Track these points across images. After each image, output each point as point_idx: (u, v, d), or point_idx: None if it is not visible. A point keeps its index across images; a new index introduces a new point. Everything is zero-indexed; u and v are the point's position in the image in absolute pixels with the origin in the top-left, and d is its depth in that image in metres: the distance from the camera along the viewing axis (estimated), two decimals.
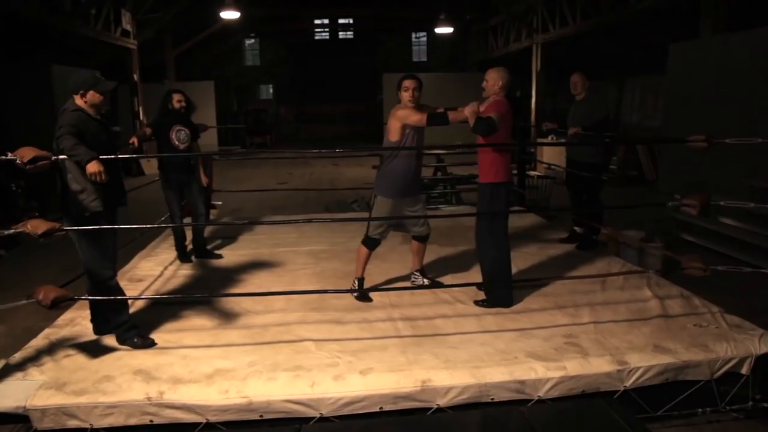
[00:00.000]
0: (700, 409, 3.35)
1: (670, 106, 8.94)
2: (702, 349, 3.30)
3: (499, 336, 3.55)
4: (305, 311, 3.98)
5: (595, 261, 5.03)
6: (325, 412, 2.94)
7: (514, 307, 3.99)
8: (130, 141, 5.19)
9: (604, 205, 5.83)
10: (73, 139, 3.10)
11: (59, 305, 3.14)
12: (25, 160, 2.95)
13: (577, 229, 5.77)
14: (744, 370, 3.31)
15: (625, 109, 14.53)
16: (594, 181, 5.50)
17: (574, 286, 4.36)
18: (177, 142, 5.03)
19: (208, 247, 5.48)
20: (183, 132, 5.08)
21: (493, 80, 3.92)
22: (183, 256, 5.25)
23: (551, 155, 11.23)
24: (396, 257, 5.11)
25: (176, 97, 5.13)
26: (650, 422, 3.09)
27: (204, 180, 5.48)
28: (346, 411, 2.95)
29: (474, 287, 4.18)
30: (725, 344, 3.33)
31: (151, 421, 2.89)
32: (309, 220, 5.93)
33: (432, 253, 4.89)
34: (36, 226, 2.98)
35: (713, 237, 6.38)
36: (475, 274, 4.32)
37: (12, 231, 3.02)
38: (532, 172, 7.96)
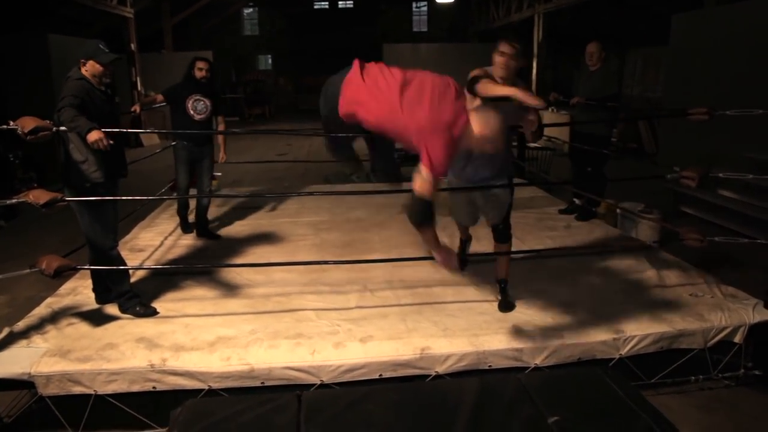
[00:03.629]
0: (693, 377, 3.41)
1: (672, 78, 8.85)
2: (697, 318, 3.35)
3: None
4: (306, 281, 4.01)
5: (593, 232, 5.05)
6: (326, 379, 3.00)
7: (513, 277, 4.02)
8: (132, 108, 5.13)
9: (608, 178, 5.82)
10: (73, 110, 3.08)
11: (62, 274, 3.17)
12: (26, 130, 2.93)
13: (576, 200, 5.78)
14: (737, 339, 3.36)
15: (627, 81, 14.40)
16: (599, 154, 5.48)
17: (573, 257, 4.39)
18: (193, 112, 4.80)
19: (210, 223, 5.37)
20: (202, 103, 4.82)
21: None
22: (185, 226, 5.22)
23: (552, 127, 11.17)
24: (396, 225, 5.14)
25: (199, 64, 4.82)
26: (644, 389, 3.14)
27: (223, 157, 5.27)
28: (346, 378, 3.01)
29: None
30: (720, 313, 3.38)
31: (154, 387, 2.95)
32: (310, 193, 5.92)
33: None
34: (38, 197, 2.99)
35: (712, 210, 6.40)
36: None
37: (14, 201, 3.02)
38: (532, 144, 7.91)
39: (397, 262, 4.25)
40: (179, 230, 5.25)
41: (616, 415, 2.54)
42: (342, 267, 4.18)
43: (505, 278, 3.67)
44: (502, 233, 3.62)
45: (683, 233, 3.69)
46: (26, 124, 2.95)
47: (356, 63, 2.71)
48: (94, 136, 3.02)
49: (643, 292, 3.75)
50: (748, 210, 5.94)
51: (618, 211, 5.74)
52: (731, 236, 4.06)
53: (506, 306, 3.54)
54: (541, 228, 5.18)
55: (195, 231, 5.19)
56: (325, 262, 4.17)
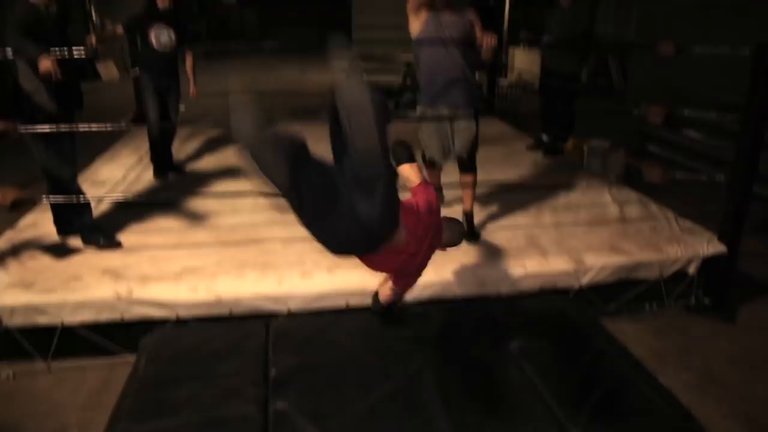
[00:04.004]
0: (647, 305, 3.57)
1: (644, 17, 8.81)
2: (654, 251, 3.47)
3: None
4: (272, 213, 3.97)
5: (560, 168, 5.12)
6: (293, 307, 3.03)
7: (479, 209, 4.08)
8: (89, 41, 4.87)
9: (575, 115, 5.86)
10: (19, 36, 2.91)
11: (19, 207, 3.09)
12: None
13: (544, 136, 5.82)
14: (691, 270, 3.51)
15: (599, 20, 14.24)
16: (569, 91, 5.48)
17: (538, 191, 4.45)
18: (156, 43, 4.52)
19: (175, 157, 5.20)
20: (165, 33, 4.54)
21: None
22: (159, 169, 4.92)
23: (522, 64, 11.09)
24: None
25: None
26: (602, 317, 3.28)
27: (194, 91, 5.04)
28: (314, 306, 3.05)
29: None
30: (676, 246, 3.50)
31: (122, 317, 2.95)
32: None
33: None
34: None
35: (676, 148, 6.52)
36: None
37: None
38: (502, 81, 7.87)
39: None
40: (142, 163, 5.12)
41: (576, 342, 2.66)
42: None
43: (470, 210, 3.71)
44: (467, 165, 3.64)
45: (646, 169, 3.76)
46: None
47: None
48: (45, 64, 2.87)
49: (605, 225, 3.85)
50: (709, 149, 6.07)
51: (585, 148, 5.80)
52: (692, 173, 4.17)
53: (472, 237, 3.60)
54: (508, 163, 5.21)
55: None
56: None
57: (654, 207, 4.16)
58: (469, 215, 3.71)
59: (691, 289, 3.61)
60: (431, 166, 3.76)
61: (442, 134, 3.62)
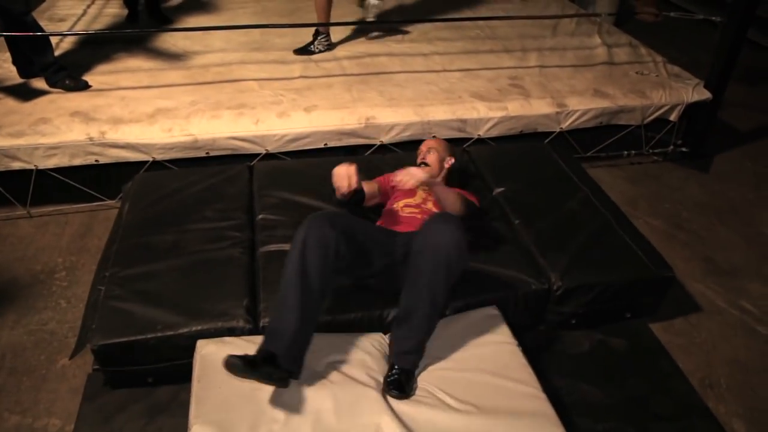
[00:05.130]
0: (626, 152, 3.61)
1: None
2: (638, 96, 3.41)
3: (445, 76, 3.55)
4: (246, 51, 3.79)
5: (549, 6, 4.85)
6: (271, 148, 3.00)
7: (462, 48, 3.93)
8: None
9: None
10: None
11: None
12: None
13: None
14: (672, 117, 3.50)
15: None
16: None
17: (525, 30, 4.26)
18: None
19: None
20: None
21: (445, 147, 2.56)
22: (133, 16, 4.35)
23: None
24: None
25: None
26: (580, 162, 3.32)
27: None
28: (292, 147, 3.01)
29: None
30: (661, 92, 3.45)
31: (96, 161, 2.89)
32: None
33: None
34: None
35: None
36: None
37: None
38: None
39: (343, 31, 4.04)
40: None
41: (558, 187, 2.69)
42: (285, 36, 3.94)
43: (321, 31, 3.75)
44: None
45: (639, 7, 3.59)
46: None
47: None
48: None
49: (591, 68, 3.74)
50: None
51: None
52: (687, 13, 3.99)
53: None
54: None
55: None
56: (265, 26, 3.90)
57: (643, 50, 4.02)
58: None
59: (671, 137, 3.63)
60: None
61: None
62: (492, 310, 2.06)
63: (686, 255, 2.92)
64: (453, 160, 2.49)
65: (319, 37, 3.77)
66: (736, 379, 2.27)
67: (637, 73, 3.69)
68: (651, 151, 3.65)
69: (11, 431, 2.00)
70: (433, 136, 2.99)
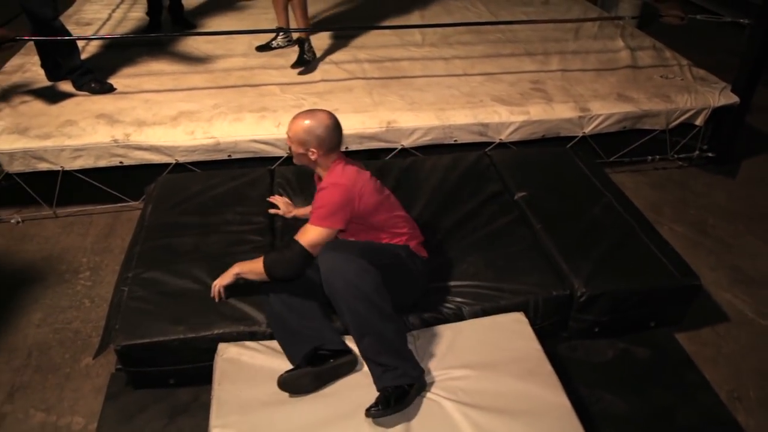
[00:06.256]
0: (649, 157, 3.55)
1: None
2: (663, 100, 3.36)
3: (466, 80, 3.54)
4: (269, 56, 3.83)
5: (571, 9, 4.81)
6: None
7: (483, 52, 3.90)
8: None
9: None
10: None
11: (1, 45, 2.93)
12: None
13: None
14: (698, 122, 3.43)
15: None
16: None
17: (546, 34, 4.23)
18: None
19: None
20: None
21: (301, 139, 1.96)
22: (155, 25, 4.31)
23: None
24: None
25: None
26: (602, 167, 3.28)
27: None
28: None
29: None
30: (686, 96, 3.39)
31: (121, 162, 2.93)
32: None
33: None
34: None
35: None
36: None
37: None
38: None
39: (365, 35, 4.05)
40: (127, 2, 4.78)
41: (581, 192, 2.65)
42: None
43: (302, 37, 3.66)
44: None
45: (664, 10, 3.54)
46: None
47: None
48: None
49: (614, 71, 3.70)
50: None
51: None
52: (714, 16, 3.92)
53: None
54: (516, 2, 4.88)
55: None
56: (286, 30, 3.91)
57: (668, 53, 3.96)
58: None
59: (696, 142, 3.57)
60: None
61: None
62: (519, 316, 2.04)
63: (713, 263, 2.86)
64: (318, 152, 1.92)
65: (305, 45, 3.67)
66: (765, 392, 2.21)
67: (661, 76, 3.64)
68: (676, 156, 3.59)
69: (36, 428, 2.03)
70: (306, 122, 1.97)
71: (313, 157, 1.94)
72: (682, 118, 3.40)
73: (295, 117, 1.97)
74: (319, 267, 1.76)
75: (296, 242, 1.84)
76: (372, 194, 1.93)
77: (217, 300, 1.99)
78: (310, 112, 1.97)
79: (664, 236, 2.43)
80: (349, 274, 1.70)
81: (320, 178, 2.02)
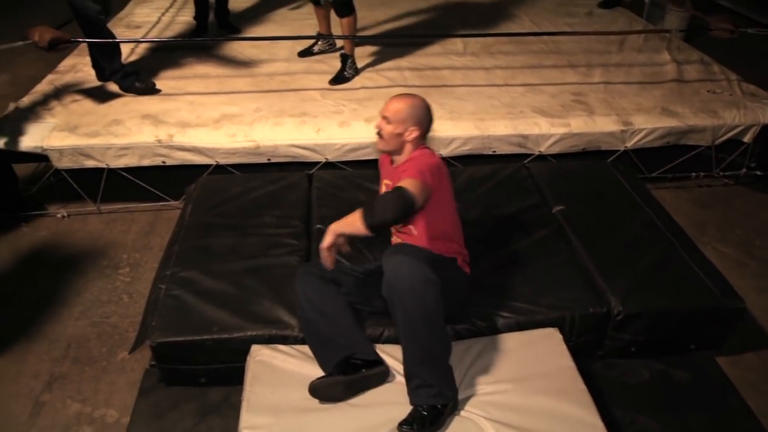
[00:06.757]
0: (693, 173, 3.46)
1: None
2: (710, 115, 3.27)
3: (507, 90, 3.52)
4: (310, 62, 3.88)
5: (616, 21, 4.74)
6: (330, 157, 3.04)
7: (525, 63, 3.87)
8: None
9: None
10: None
11: (57, 47, 3.03)
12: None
13: None
14: (747, 138, 3.33)
15: None
16: None
17: (590, 45, 4.17)
18: None
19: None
20: None
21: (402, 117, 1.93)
22: (202, 29, 4.36)
23: None
24: (402, 4, 4.83)
25: None
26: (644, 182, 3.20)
27: None
28: (351, 157, 3.04)
29: None
30: (735, 111, 3.29)
31: (163, 162, 3.01)
32: None
33: None
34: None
35: (750, 3, 5.91)
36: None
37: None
38: None
39: (406, 44, 4.06)
40: (176, 5, 4.91)
41: (620, 207, 2.59)
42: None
43: (347, 53, 3.66)
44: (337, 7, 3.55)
45: (713, 23, 3.44)
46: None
47: None
48: None
49: (659, 85, 3.62)
50: None
51: None
52: (766, 29, 3.80)
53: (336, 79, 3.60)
54: (560, 13, 4.83)
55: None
56: (330, 37, 3.96)
57: (716, 67, 3.86)
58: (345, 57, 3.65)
59: (744, 159, 3.46)
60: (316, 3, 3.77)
61: None
62: (553, 332, 2.00)
63: (759, 285, 2.76)
64: (416, 132, 1.92)
65: (348, 61, 3.66)
66: None
67: (708, 91, 3.54)
68: (721, 173, 3.48)
69: (72, 418, 2.09)
70: (404, 95, 2.00)
71: (410, 138, 1.92)
72: (730, 135, 3.30)
73: (394, 98, 1.96)
74: (384, 266, 1.72)
75: (396, 187, 1.77)
76: (450, 183, 1.98)
77: (329, 264, 1.84)
78: (408, 95, 1.98)
79: (707, 256, 2.36)
80: (416, 281, 1.66)
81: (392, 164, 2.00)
